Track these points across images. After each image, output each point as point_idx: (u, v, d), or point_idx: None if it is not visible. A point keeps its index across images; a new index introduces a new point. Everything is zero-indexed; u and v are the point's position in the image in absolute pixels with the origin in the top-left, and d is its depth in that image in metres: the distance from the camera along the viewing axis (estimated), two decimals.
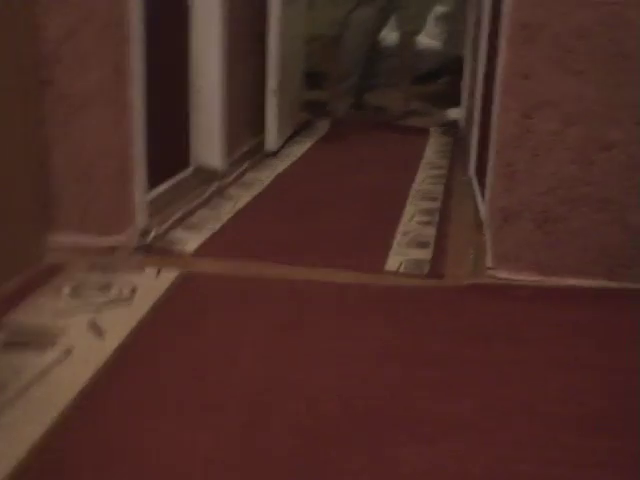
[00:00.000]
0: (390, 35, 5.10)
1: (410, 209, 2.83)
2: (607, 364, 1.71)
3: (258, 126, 3.58)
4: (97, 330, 1.77)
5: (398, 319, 1.91)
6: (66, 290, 1.98)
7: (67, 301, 1.92)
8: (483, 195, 2.58)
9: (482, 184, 2.65)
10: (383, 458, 1.34)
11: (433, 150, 3.95)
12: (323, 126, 4.41)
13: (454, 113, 4.49)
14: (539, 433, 1.43)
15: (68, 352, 1.66)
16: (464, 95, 4.15)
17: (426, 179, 3.31)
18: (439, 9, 5.54)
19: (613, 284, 2.04)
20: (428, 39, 5.44)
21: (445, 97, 5.00)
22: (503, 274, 2.12)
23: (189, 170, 3.02)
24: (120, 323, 1.81)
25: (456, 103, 4.44)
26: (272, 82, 3.51)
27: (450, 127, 4.41)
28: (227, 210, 2.74)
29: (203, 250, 2.35)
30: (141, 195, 2.33)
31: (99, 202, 2.24)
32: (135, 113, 2.20)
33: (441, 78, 5.48)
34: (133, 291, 2.00)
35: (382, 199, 2.99)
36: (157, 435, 1.39)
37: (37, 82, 2.08)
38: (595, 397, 1.56)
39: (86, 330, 1.77)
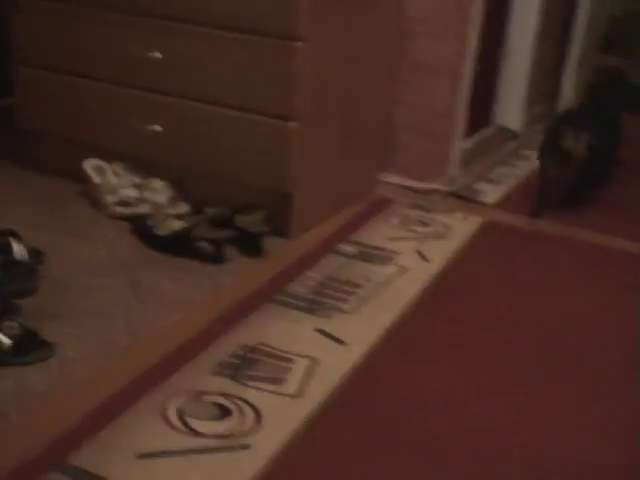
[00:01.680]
0: None
1: None
2: None
3: (553, 91, 3.86)
4: (422, 256, 2.28)
5: None
6: (395, 221, 2.51)
7: (397, 229, 2.45)
8: None
9: None
10: None
11: None
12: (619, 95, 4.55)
13: None
14: None
15: (403, 269, 2.18)
16: None
17: None
18: None
19: None
20: None
21: None
22: None
23: (489, 129, 3.41)
24: (439, 252, 2.30)
25: None
26: (574, 54, 3.77)
27: None
28: (522, 169, 3.12)
29: (502, 203, 2.76)
30: (455, 150, 2.78)
31: (424, 153, 2.72)
32: (466, 82, 2.64)
33: None
34: (447, 229, 2.48)
35: None
36: (464, 341, 1.86)
37: (396, 51, 2.58)
38: None
39: (414, 254, 2.28)
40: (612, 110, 3.03)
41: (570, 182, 2.75)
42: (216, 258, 2.11)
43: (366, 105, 2.48)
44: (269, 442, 1.45)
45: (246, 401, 1.56)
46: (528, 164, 3.16)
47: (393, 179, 2.76)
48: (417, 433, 1.52)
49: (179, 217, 2.25)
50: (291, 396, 1.59)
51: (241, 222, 2.18)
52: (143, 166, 2.42)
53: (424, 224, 2.50)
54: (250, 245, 2.17)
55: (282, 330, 1.83)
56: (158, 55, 2.26)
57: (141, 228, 2.22)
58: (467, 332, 1.90)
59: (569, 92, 3.90)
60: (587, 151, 2.54)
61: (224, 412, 1.53)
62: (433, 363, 1.76)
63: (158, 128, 2.34)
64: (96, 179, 2.42)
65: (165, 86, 2.30)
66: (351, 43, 2.29)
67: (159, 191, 2.39)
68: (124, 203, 2.37)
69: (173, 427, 1.47)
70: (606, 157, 2.85)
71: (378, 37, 2.43)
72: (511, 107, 3.42)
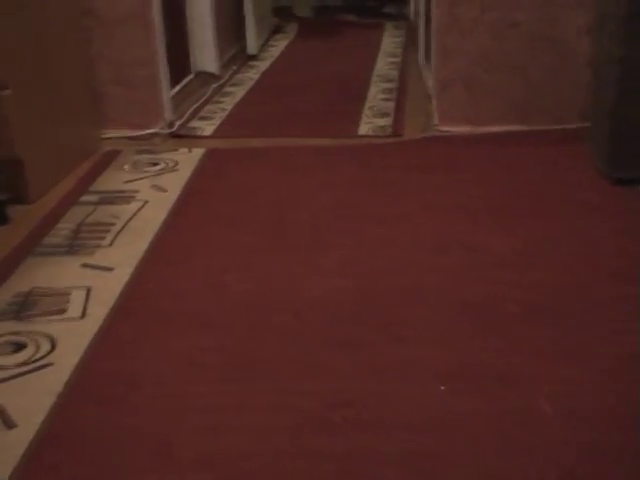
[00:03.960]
0: None
1: (373, 89, 3.55)
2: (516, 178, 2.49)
3: (239, 33, 4.23)
4: (160, 188, 2.51)
5: (366, 162, 2.68)
6: (127, 167, 2.71)
7: (130, 174, 2.65)
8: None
9: (429, 64, 3.36)
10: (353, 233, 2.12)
11: (389, 42, 4.63)
12: (292, 28, 5.05)
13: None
14: (464, 219, 2.21)
15: (146, 202, 2.41)
16: None
17: (384, 66, 4.01)
18: None
19: (523, 127, 2.81)
20: None
21: None
22: (445, 128, 2.86)
23: (191, 75, 3.68)
24: (174, 183, 2.55)
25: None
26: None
27: (401, 19, 5.09)
28: (228, 103, 3.44)
29: (217, 133, 3.07)
30: (167, 95, 3.03)
31: (137, 102, 2.93)
32: (157, 30, 2.87)
33: None
34: (176, 163, 2.73)
35: (350, 83, 3.70)
36: (210, 238, 2.15)
37: (78, 11, 2.74)
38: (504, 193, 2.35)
39: (152, 189, 2.51)
40: None
41: None
42: None
43: (67, 68, 2.62)
44: (68, 356, 1.63)
45: (37, 332, 1.71)
46: (231, 98, 3.51)
47: (115, 133, 2.93)
48: None
49: None
50: (77, 318, 1.77)
51: None
52: None
53: (154, 164, 2.73)
54: None
55: (51, 273, 1.98)
56: None
57: None
58: (214, 230, 2.20)
59: (253, 32, 4.29)
60: None
61: (19, 346, 1.67)
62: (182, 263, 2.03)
63: None
64: None
65: None
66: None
67: None
68: None
69: None
70: None
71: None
72: (205, 52, 3.72)
